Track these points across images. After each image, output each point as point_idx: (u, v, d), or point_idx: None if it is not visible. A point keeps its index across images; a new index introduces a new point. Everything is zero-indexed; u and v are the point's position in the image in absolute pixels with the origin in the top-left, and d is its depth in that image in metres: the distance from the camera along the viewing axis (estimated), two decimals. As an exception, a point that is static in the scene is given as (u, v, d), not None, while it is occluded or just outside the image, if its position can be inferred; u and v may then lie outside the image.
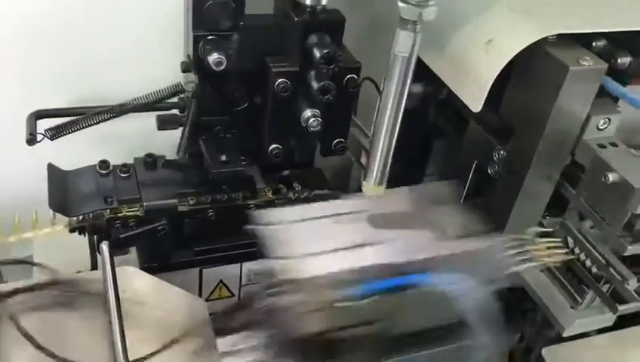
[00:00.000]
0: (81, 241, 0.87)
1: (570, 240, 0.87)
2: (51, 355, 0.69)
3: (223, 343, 0.76)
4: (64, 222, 0.86)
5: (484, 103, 0.79)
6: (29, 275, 0.99)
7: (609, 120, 0.82)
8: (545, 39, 0.77)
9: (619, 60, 0.81)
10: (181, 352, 0.73)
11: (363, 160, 0.97)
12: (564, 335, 0.92)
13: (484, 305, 0.71)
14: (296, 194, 0.94)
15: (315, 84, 0.82)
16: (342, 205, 0.82)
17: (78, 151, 0.90)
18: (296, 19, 0.81)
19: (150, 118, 0.89)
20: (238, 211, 0.91)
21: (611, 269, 0.82)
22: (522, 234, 0.87)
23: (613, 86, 0.79)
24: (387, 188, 0.85)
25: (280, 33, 0.83)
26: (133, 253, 0.91)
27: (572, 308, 0.91)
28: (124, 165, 0.91)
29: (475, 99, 0.80)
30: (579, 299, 0.90)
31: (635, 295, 0.84)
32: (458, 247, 0.79)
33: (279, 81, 0.82)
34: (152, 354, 0.72)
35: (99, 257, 0.79)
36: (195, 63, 0.82)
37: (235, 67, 0.81)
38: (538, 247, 0.86)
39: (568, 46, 0.79)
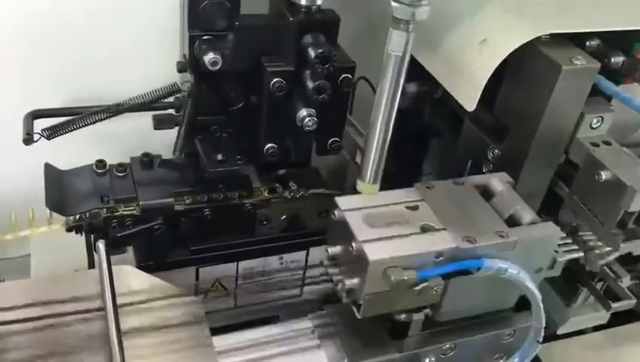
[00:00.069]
0: (78, 240, 0.88)
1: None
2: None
3: (220, 342, 0.77)
4: (61, 221, 0.86)
5: (479, 102, 0.80)
6: (27, 274, 1.00)
7: (602, 118, 0.82)
8: (538, 39, 0.78)
9: (612, 59, 0.81)
10: (178, 351, 0.73)
11: (358, 159, 0.97)
12: (559, 332, 0.92)
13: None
14: (292, 193, 0.95)
15: (310, 84, 0.82)
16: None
17: (74, 151, 0.90)
18: (291, 19, 0.81)
19: (146, 118, 0.89)
20: (234, 210, 0.91)
21: (605, 267, 0.83)
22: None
23: (607, 85, 0.80)
24: (383, 187, 0.85)
25: (275, 33, 0.83)
26: (129, 251, 0.92)
27: (566, 305, 0.91)
28: (121, 164, 0.91)
29: (469, 99, 0.81)
30: (573, 297, 0.90)
31: (629, 292, 0.85)
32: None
33: (274, 80, 0.82)
34: (149, 353, 0.72)
35: (96, 256, 0.79)
36: (190, 63, 0.82)
37: (231, 67, 0.82)
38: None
39: (561, 45, 0.80)
